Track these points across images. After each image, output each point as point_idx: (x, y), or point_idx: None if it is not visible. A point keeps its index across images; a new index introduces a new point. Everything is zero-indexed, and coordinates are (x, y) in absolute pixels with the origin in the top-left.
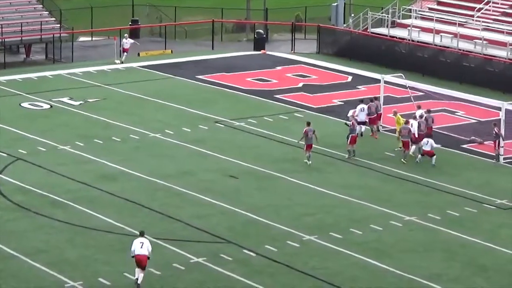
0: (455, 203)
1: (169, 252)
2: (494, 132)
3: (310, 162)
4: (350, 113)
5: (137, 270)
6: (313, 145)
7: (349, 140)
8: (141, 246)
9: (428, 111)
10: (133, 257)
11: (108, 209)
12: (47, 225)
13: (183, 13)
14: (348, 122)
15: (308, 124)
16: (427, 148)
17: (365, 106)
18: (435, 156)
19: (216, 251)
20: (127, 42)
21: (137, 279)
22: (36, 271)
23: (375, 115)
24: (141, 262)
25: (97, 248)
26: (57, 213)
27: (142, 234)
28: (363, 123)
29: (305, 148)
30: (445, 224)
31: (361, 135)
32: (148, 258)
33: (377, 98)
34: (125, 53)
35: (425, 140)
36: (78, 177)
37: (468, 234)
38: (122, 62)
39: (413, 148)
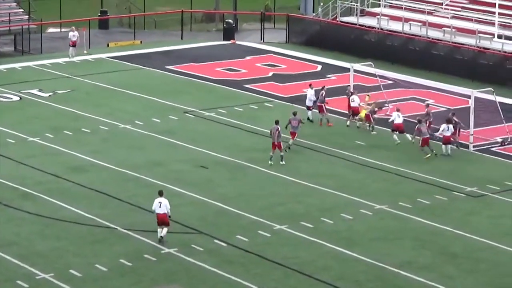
0: (426, 191)
1: (140, 243)
2: (453, 121)
3: (271, 162)
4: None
5: (159, 228)
6: (281, 143)
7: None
8: (160, 206)
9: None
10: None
11: (79, 201)
12: (18, 217)
13: (152, 3)
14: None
15: (276, 122)
16: (448, 133)
17: (313, 92)
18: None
19: (187, 242)
20: (74, 34)
21: (161, 236)
22: (7, 264)
23: (322, 104)
24: (162, 220)
25: (68, 240)
26: (28, 205)
27: (161, 194)
28: (310, 107)
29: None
30: (416, 212)
31: (308, 119)
32: (169, 216)
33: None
34: (73, 47)
35: (444, 126)
36: (48, 169)
37: (439, 222)
38: (71, 57)
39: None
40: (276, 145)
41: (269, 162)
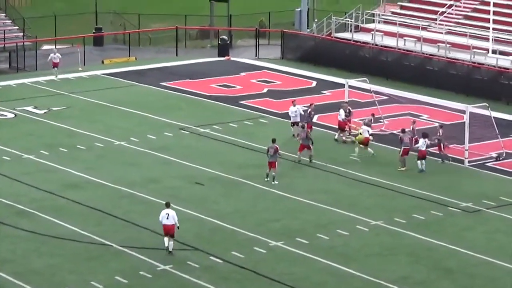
0: (421, 206)
1: (136, 260)
2: (438, 134)
3: (267, 179)
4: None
5: (166, 239)
6: (276, 164)
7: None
8: (167, 217)
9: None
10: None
11: (74, 218)
12: (13, 235)
13: (147, 20)
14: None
15: (273, 141)
16: (424, 148)
17: (298, 108)
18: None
19: (183, 258)
20: (56, 56)
21: (167, 247)
22: (2, 281)
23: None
24: (169, 231)
25: (63, 257)
26: (23, 223)
27: (168, 205)
28: (297, 123)
29: (268, 165)
30: (411, 227)
31: (297, 135)
32: (178, 227)
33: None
34: (56, 68)
35: (422, 140)
36: (43, 186)
37: (434, 237)
38: (56, 77)
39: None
40: (271, 163)
41: (265, 179)
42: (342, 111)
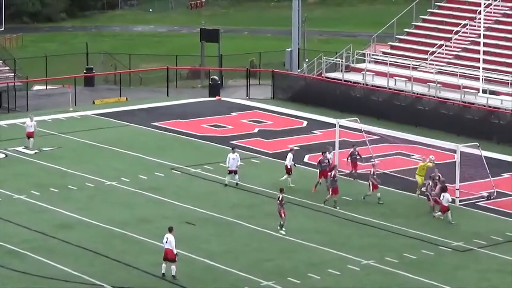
0: (412, 246)
1: None
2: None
3: (279, 228)
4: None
5: (163, 265)
6: (281, 212)
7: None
8: (166, 241)
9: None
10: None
11: (65, 258)
12: (4, 276)
13: (138, 60)
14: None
15: (280, 190)
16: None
17: (236, 155)
18: (449, 211)
19: None
20: (31, 124)
21: (163, 273)
22: None
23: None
24: (166, 254)
25: None
26: (14, 263)
27: (170, 230)
28: (235, 171)
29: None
30: (403, 267)
31: (236, 184)
32: (176, 254)
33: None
34: (31, 139)
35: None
36: (34, 226)
37: (426, 276)
38: (26, 147)
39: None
40: (280, 212)
41: (281, 230)
42: (290, 155)
